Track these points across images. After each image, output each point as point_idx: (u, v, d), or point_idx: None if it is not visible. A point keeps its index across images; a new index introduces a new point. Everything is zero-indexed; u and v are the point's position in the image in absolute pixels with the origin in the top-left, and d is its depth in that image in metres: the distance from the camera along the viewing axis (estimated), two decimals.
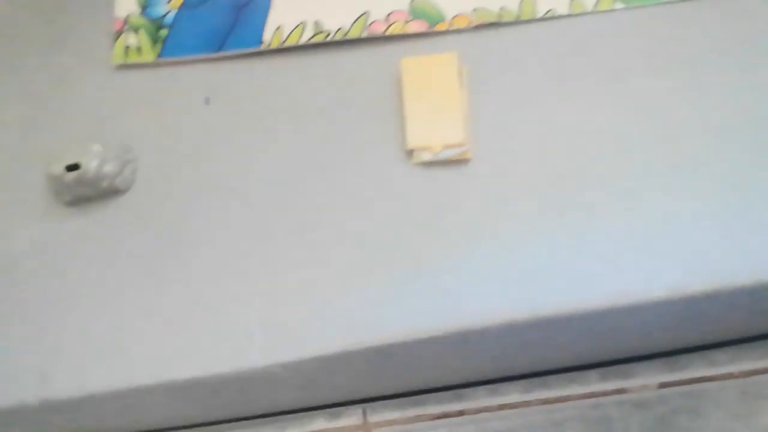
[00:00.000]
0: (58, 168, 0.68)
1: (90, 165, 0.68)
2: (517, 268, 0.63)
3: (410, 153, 0.69)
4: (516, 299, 0.61)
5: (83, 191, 0.70)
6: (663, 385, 0.70)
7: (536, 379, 0.71)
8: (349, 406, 0.71)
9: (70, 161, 0.68)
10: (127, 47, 0.78)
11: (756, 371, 0.70)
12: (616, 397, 0.70)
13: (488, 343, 0.63)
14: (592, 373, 0.70)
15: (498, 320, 0.61)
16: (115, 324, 0.65)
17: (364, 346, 0.61)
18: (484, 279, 0.63)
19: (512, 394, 0.71)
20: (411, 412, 0.71)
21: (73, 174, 0.68)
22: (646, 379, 0.70)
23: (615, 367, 0.70)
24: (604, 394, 0.70)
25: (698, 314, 0.63)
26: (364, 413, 0.71)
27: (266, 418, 0.72)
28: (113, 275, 0.68)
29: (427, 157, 0.68)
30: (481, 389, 0.71)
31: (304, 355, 0.62)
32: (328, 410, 0.71)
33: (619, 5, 0.74)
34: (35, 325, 0.66)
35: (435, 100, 0.70)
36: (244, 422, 0.72)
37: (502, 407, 0.71)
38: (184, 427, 0.72)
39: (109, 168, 0.69)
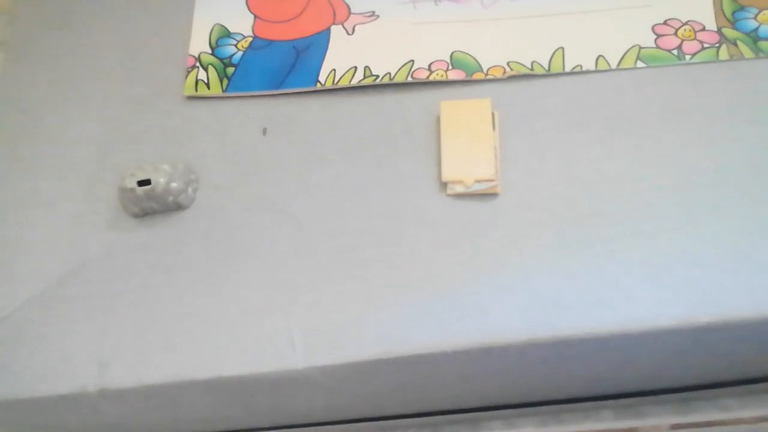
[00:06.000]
0: (132, 182, 0.73)
1: (159, 181, 0.73)
2: (538, 292, 0.66)
3: (444, 185, 0.73)
4: (536, 320, 0.64)
5: (151, 205, 0.74)
6: (675, 427, 0.71)
7: (551, 414, 0.72)
8: (369, 424, 0.74)
9: (142, 177, 0.73)
10: (198, 81, 0.83)
11: (765, 418, 0.71)
12: None
13: (509, 360, 0.66)
14: (606, 411, 0.72)
15: (519, 338, 0.63)
16: (171, 324, 0.68)
17: (394, 355, 0.64)
18: (508, 301, 0.65)
19: (527, 427, 0.72)
20: None
21: (144, 188, 0.72)
22: (658, 419, 0.71)
23: (629, 406, 0.71)
24: None
25: (706, 346, 0.66)
26: None
27: (292, 430, 0.74)
28: (171, 281, 0.71)
29: (459, 189, 0.72)
30: (496, 421, 0.72)
31: (339, 361, 0.65)
32: (348, 426, 0.73)
33: (640, 64, 0.78)
34: (100, 321, 0.69)
35: (469, 140, 0.74)
36: None
37: None
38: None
39: (175, 185, 0.74)
